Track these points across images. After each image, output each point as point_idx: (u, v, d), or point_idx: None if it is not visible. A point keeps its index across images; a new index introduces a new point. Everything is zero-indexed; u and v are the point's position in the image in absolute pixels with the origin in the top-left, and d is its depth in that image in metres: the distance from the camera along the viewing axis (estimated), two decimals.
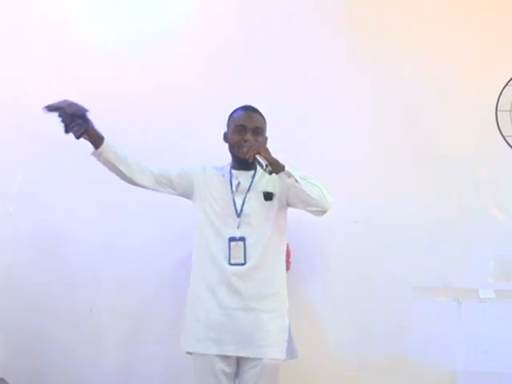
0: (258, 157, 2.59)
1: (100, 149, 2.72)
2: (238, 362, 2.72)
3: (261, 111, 2.83)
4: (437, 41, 3.37)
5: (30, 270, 3.60)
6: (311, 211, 2.69)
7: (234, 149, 2.77)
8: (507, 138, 3.29)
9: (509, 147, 3.29)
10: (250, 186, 2.75)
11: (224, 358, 2.69)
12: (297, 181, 2.60)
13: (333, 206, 3.29)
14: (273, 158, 2.60)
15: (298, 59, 3.48)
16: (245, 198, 2.73)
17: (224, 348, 2.68)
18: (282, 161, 2.62)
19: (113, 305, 3.51)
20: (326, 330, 3.33)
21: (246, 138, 2.71)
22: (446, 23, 3.37)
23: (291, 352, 2.76)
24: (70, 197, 3.59)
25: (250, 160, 2.62)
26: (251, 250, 2.69)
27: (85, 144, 3.56)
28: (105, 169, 3.51)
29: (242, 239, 2.68)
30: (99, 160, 2.75)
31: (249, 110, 2.80)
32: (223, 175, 2.80)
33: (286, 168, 2.60)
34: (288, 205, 2.78)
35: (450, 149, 3.32)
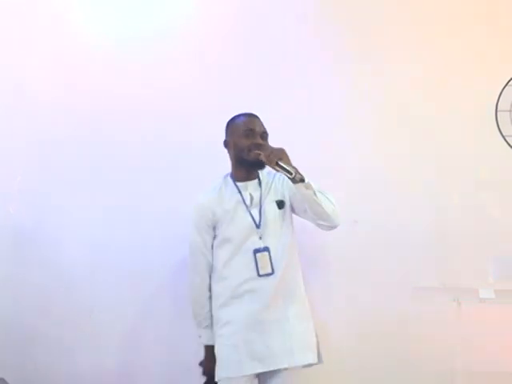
0: (281, 163, 2.57)
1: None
2: (260, 375, 2.73)
3: (257, 113, 2.83)
4: (437, 41, 3.37)
5: (29, 269, 3.60)
6: (320, 225, 2.70)
7: (243, 152, 2.74)
8: (507, 138, 3.29)
9: (509, 147, 3.29)
10: (260, 195, 2.76)
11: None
12: (315, 193, 2.59)
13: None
14: (293, 165, 2.60)
15: (297, 59, 3.48)
16: (260, 208, 2.74)
17: (263, 364, 2.67)
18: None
19: (113, 305, 3.50)
20: (326, 329, 3.32)
21: (256, 141, 2.71)
22: (445, 23, 3.37)
23: (319, 356, 2.81)
24: (69, 197, 3.58)
25: (271, 165, 2.59)
26: (276, 259, 2.70)
27: (85, 144, 3.59)
28: (104, 169, 3.53)
29: (267, 249, 2.69)
30: None
31: (253, 116, 2.81)
32: (232, 193, 2.78)
33: (306, 180, 2.59)
34: (292, 211, 2.80)
35: (450, 149, 3.32)
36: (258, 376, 2.73)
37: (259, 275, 2.67)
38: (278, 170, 2.61)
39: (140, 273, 3.48)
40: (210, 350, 2.78)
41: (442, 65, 3.35)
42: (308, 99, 3.44)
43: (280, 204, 2.74)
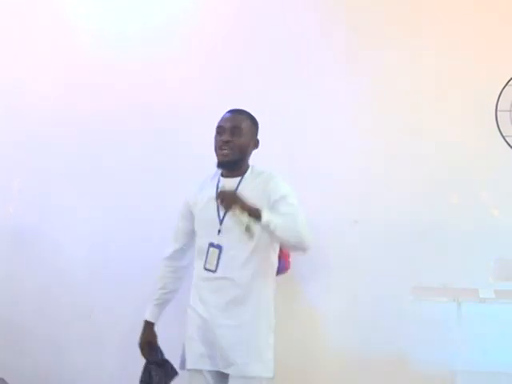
0: (235, 212, 2.53)
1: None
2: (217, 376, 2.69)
3: (251, 114, 2.77)
4: (437, 41, 3.36)
5: (29, 269, 3.60)
6: (292, 250, 2.80)
7: (215, 150, 2.74)
8: (507, 138, 3.28)
9: (509, 147, 3.28)
10: None
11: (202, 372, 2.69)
12: (274, 231, 2.52)
13: (333, 205, 3.33)
14: (248, 207, 2.51)
15: (298, 59, 3.48)
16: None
17: (206, 362, 2.67)
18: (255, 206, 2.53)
19: (113, 305, 3.51)
20: (326, 329, 3.33)
21: (222, 138, 2.68)
22: (446, 23, 3.37)
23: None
24: (69, 197, 3.59)
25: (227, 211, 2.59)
26: (226, 261, 2.65)
27: (85, 144, 3.59)
28: (104, 169, 3.53)
29: (219, 247, 2.66)
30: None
31: (230, 112, 2.76)
32: (210, 187, 2.75)
33: (263, 220, 2.50)
34: None
35: (450, 149, 3.32)
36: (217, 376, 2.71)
37: (205, 268, 2.68)
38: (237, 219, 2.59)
39: (140, 273, 3.47)
40: (146, 326, 2.87)
41: (442, 65, 3.35)
42: (308, 99, 3.44)
43: (247, 228, 2.58)
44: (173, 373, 2.89)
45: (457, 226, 3.28)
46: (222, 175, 2.77)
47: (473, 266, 3.24)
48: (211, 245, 2.67)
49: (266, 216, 2.50)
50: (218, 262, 2.65)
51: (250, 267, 2.64)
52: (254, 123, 2.77)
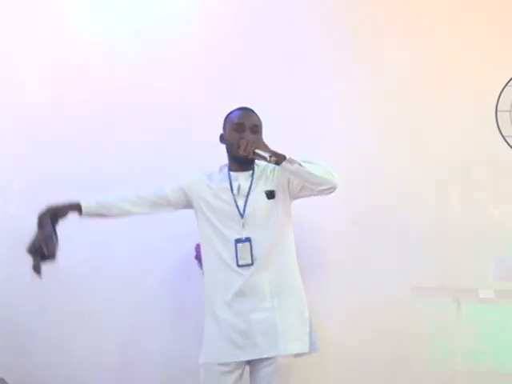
0: (257, 151, 2.58)
1: (83, 214, 2.83)
2: (251, 361, 2.69)
3: (257, 112, 2.80)
4: (437, 41, 3.37)
5: (29, 269, 3.60)
6: (322, 190, 2.64)
7: (232, 148, 2.74)
8: (507, 138, 3.29)
9: (509, 147, 3.29)
10: (250, 186, 2.73)
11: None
12: (301, 164, 2.57)
13: (333, 205, 3.33)
14: (271, 149, 2.60)
15: (297, 59, 3.48)
16: (246, 199, 2.71)
17: (246, 352, 2.65)
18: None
19: (113, 305, 3.50)
20: (326, 329, 3.32)
21: (244, 135, 2.69)
22: (446, 23, 3.37)
23: (312, 345, 2.73)
24: (69, 197, 3.58)
25: (250, 156, 2.61)
26: (258, 250, 2.66)
27: (85, 144, 3.59)
28: (104, 169, 3.52)
29: (248, 240, 2.66)
30: (90, 218, 2.82)
31: (246, 110, 2.79)
32: (221, 180, 2.77)
33: (288, 156, 2.58)
34: (295, 197, 2.75)
35: (450, 149, 3.32)
36: (250, 363, 2.70)
37: (238, 265, 2.66)
38: (257, 159, 2.64)
39: (140, 273, 3.48)
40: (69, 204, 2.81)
41: (442, 65, 3.35)
42: (308, 99, 3.44)
43: (269, 194, 2.70)
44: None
45: (457, 226, 3.28)
46: (231, 170, 2.78)
47: (473, 265, 3.24)
48: (238, 240, 2.67)
49: (289, 156, 2.57)
50: (252, 255, 2.65)
51: (279, 253, 2.68)
52: (261, 121, 2.81)
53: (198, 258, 2.81)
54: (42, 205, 3.59)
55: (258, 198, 2.71)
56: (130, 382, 3.52)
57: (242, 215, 2.70)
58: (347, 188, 3.33)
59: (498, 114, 3.29)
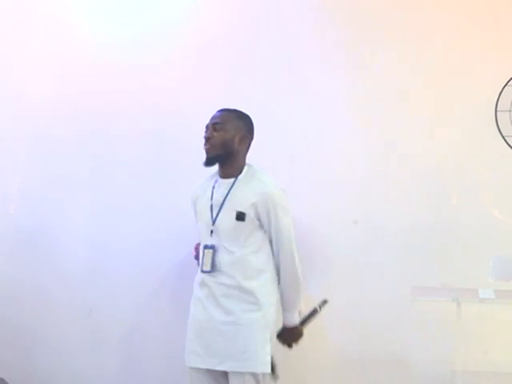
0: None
1: None
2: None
3: (240, 111, 2.77)
4: (436, 41, 3.36)
5: (29, 269, 3.60)
6: None
7: None
8: (507, 138, 3.29)
9: (508, 147, 3.28)
10: (224, 198, 2.71)
11: (206, 371, 2.70)
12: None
13: (333, 206, 3.33)
14: (298, 334, 2.77)
15: (296, 59, 3.48)
16: (219, 210, 2.71)
17: (207, 361, 2.67)
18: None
19: (112, 305, 3.51)
20: (326, 329, 3.32)
21: (204, 135, 2.72)
22: (445, 23, 3.37)
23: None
24: (69, 197, 3.59)
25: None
26: (220, 259, 2.66)
27: (85, 144, 3.59)
28: (105, 168, 3.52)
29: (213, 247, 2.67)
30: None
31: (217, 111, 2.79)
32: (208, 186, 2.79)
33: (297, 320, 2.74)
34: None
35: (450, 149, 3.32)
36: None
37: (202, 271, 2.69)
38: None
39: (140, 272, 3.48)
40: None
41: (442, 65, 3.35)
42: (308, 99, 3.44)
43: (239, 215, 2.66)
44: None
45: (457, 227, 3.28)
46: (219, 175, 2.78)
47: (472, 266, 3.24)
48: (206, 246, 2.70)
49: (295, 316, 2.75)
50: (212, 262, 2.66)
51: (246, 266, 2.66)
52: (240, 118, 2.76)
53: (198, 257, 2.81)
54: (41, 205, 3.62)
55: (229, 213, 2.68)
56: (130, 382, 3.52)
57: (213, 221, 2.71)
58: (347, 188, 3.35)
59: (498, 114, 3.29)
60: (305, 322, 2.77)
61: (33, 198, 3.64)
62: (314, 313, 2.79)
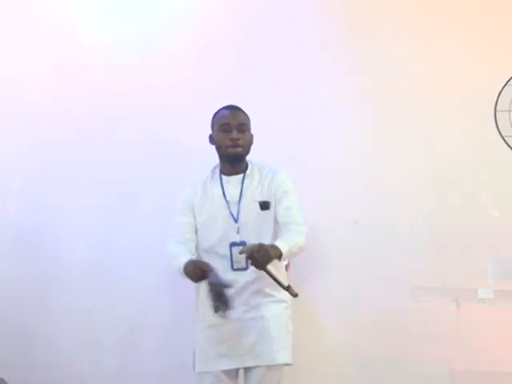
0: (268, 271, 2.51)
1: None
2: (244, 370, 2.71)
3: (244, 109, 2.80)
4: (436, 41, 3.36)
5: (29, 270, 3.60)
6: None
7: (221, 148, 2.75)
8: (506, 139, 3.29)
9: (508, 147, 3.29)
10: (240, 193, 2.72)
11: (226, 372, 2.69)
12: (291, 255, 2.67)
13: (333, 206, 3.33)
14: (273, 256, 2.51)
15: (296, 59, 3.48)
16: (239, 207, 2.71)
17: (233, 361, 2.67)
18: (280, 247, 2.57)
19: (112, 305, 3.51)
20: (326, 329, 3.33)
21: (231, 136, 2.70)
22: (445, 23, 3.37)
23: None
24: (69, 197, 3.59)
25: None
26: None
27: (85, 145, 3.59)
28: (105, 169, 3.52)
29: (243, 243, 2.65)
30: None
31: (232, 108, 2.79)
32: (214, 186, 2.78)
33: (284, 253, 2.55)
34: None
35: (450, 149, 3.32)
36: (244, 370, 2.72)
37: (233, 269, 2.66)
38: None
39: (139, 273, 3.48)
40: (188, 263, 2.61)
41: (442, 65, 3.35)
42: (307, 99, 3.44)
43: (263, 205, 2.71)
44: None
45: (456, 226, 3.28)
46: (223, 172, 2.77)
47: (472, 266, 3.25)
48: (233, 244, 2.67)
49: (283, 248, 2.55)
50: (246, 259, 2.58)
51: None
52: (248, 118, 2.81)
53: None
54: (41, 205, 3.62)
55: (250, 206, 2.70)
56: (129, 382, 3.52)
57: (235, 220, 2.70)
58: (347, 188, 3.35)
59: (497, 114, 3.29)
60: (271, 275, 2.53)
61: (33, 198, 3.63)
62: (281, 285, 2.55)
